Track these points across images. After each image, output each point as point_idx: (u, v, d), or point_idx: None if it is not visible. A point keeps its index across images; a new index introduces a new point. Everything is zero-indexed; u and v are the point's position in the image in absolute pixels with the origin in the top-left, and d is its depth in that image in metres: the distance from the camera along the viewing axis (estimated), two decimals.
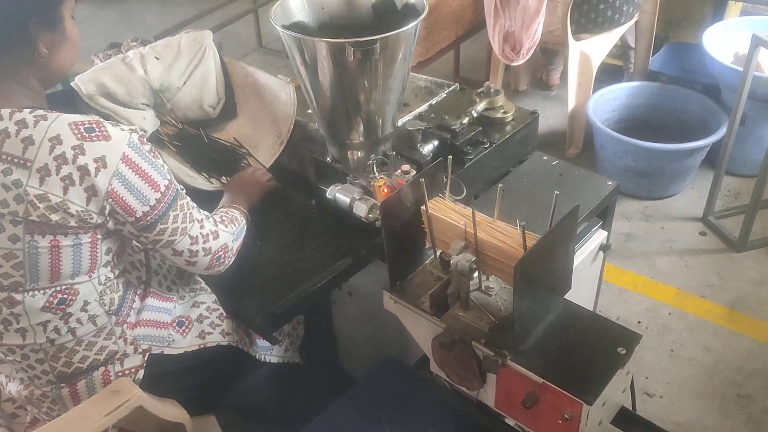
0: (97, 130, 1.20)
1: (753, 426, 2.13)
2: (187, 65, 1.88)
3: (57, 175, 1.18)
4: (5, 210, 1.19)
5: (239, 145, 1.90)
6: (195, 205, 1.39)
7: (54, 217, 1.20)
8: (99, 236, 1.27)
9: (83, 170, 1.18)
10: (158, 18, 4.96)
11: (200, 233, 1.37)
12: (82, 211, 1.21)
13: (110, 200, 1.22)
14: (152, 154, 1.28)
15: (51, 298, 1.28)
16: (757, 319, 2.49)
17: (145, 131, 1.79)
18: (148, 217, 1.27)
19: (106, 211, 1.23)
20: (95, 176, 1.19)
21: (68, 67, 1.35)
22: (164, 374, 1.46)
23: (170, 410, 1.38)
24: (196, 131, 1.90)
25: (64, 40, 1.29)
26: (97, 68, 1.82)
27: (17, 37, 1.23)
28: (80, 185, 1.19)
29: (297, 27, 1.60)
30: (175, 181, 1.33)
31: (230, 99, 1.97)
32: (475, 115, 1.81)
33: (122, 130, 1.24)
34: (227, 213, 1.53)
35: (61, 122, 1.19)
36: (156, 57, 1.85)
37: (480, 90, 1.90)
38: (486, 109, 1.85)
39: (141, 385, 1.38)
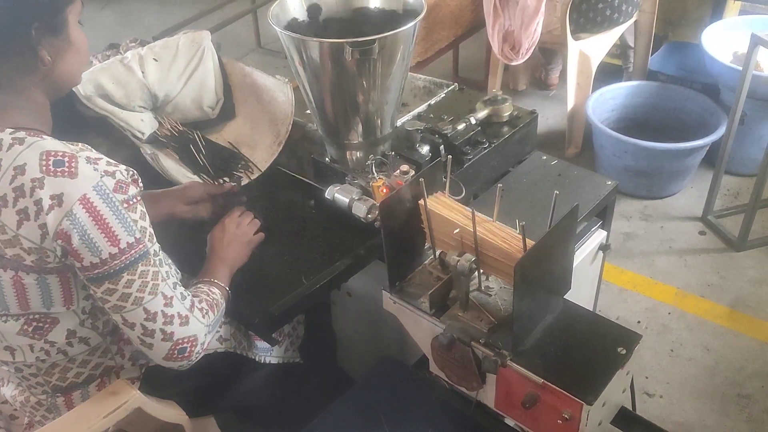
0: (66, 165, 1.11)
1: (753, 426, 2.13)
2: (185, 66, 1.88)
3: (13, 207, 1.11)
4: None
5: (236, 148, 1.89)
6: (173, 279, 1.24)
7: (9, 252, 1.14)
8: (70, 275, 1.20)
9: (38, 205, 1.10)
10: (157, 18, 4.96)
11: (162, 311, 1.20)
12: (37, 249, 1.13)
13: (59, 241, 1.12)
14: (125, 205, 1.15)
15: (25, 326, 1.23)
16: (757, 318, 2.49)
17: (143, 133, 1.80)
18: (96, 270, 1.15)
19: (58, 253, 1.14)
20: (47, 213, 1.10)
21: (74, 76, 1.27)
22: (162, 378, 1.45)
23: (169, 412, 1.38)
24: (193, 132, 1.89)
25: (68, 47, 1.21)
26: (95, 69, 1.81)
27: (18, 44, 1.16)
28: (35, 221, 1.11)
29: (295, 27, 1.60)
30: (150, 244, 1.19)
31: (229, 99, 1.97)
32: (473, 122, 1.78)
33: (95, 170, 1.13)
34: (209, 295, 1.35)
35: (35, 150, 1.12)
36: (154, 58, 1.85)
37: (487, 98, 1.87)
38: (488, 116, 1.83)
39: (139, 388, 1.37)
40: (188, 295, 1.29)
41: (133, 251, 1.16)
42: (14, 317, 1.22)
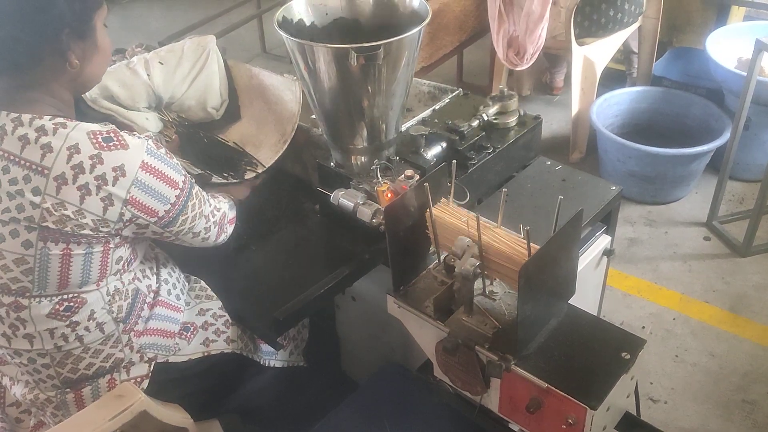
0: (115, 139, 1.22)
1: None
2: (190, 68, 1.89)
3: (74, 184, 1.19)
4: (21, 215, 1.20)
5: (240, 147, 1.90)
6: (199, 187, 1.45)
7: (69, 225, 1.21)
8: (111, 245, 1.28)
9: (101, 179, 1.20)
10: (161, 23, 4.98)
11: (211, 211, 1.44)
12: (98, 220, 1.22)
13: (129, 207, 1.24)
14: (168, 155, 1.31)
15: (57, 306, 1.28)
16: (762, 324, 2.49)
17: (150, 132, 1.80)
18: (170, 214, 1.31)
19: (125, 218, 1.25)
20: (113, 185, 1.21)
21: (99, 76, 1.37)
22: (169, 380, 1.46)
23: (174, 415, 1.38)
24: (196, 131, 1.90)
25: (95, 50, 1.30)
26: None
27: (49, 49, 1.23)
28: (96, 195, 1.20)
29: (301, 32, 1.61)
30: (187, 174, 1.38)
31: (234, 101, 1.98)
32: (485, 118, 1.81)
33: (138, 137, 1.26)
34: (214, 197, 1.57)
35: (80, 131, 1.21)
36: (160, 62, 1.86)
37: (494, 94, 1.89)
38: (498, 113, 1.85)
39: (145, 390, 1.38)
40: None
41: (186, 185, 1.34)
42: (48, 297, 1.27)
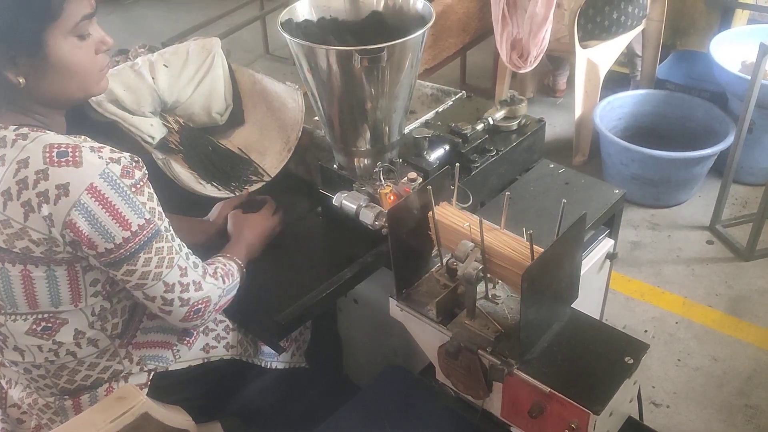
0: (70, 155, 1.11)
1: None
2: (195, 72, 1.89)
3: (18, 200, 1.12)
4: None
5: (246, 155, 1.90)
6: (184, 250, 1.28)
7: (18, 245, 1.15)
8: (78, 268, 1.21)
9: (42, 197, 1.11)
10: (165, 24, 4.98)
11: (179, 281, 1.25)
12: (46, 239, 1.14)
13: (68, 231, 1.13)
14: (134, 189, 1.16)
15: (34, 326, 1.24)
16: (765, 328, 2.48)
17: (153, 137, 1.80)
18: (113, 255, 1.16)
19: (67, 241, 1.15)
20: (54, 204, 1.11)
21: (66, 95, 1.21)
22: (167, 386, 1.45)
23: (175, 417, 1.38)
24: (202, 137, 1.90)
25: (47, 68, 1.15)
26: None
27: None
28: (39, 212, 1.12)
29: (304, 34, 1.61)
30: (159, 222, 1.21)
31: (238, 106, 1.98)
32: (491, 122, 1.80)
33: (100, 158, 1.13)
34: (224, 266, 1.41)
35: (38, 144, 1.12)
36: (164, 64, 1.86)
37: (503, 98, 1.88)
38: (505, 118, 1.84)
39: (146, 393, 1.38)
40: (200, 262, 1.33)
41: (145, 232, 1.18)
42: (23, 316, 1.23)
